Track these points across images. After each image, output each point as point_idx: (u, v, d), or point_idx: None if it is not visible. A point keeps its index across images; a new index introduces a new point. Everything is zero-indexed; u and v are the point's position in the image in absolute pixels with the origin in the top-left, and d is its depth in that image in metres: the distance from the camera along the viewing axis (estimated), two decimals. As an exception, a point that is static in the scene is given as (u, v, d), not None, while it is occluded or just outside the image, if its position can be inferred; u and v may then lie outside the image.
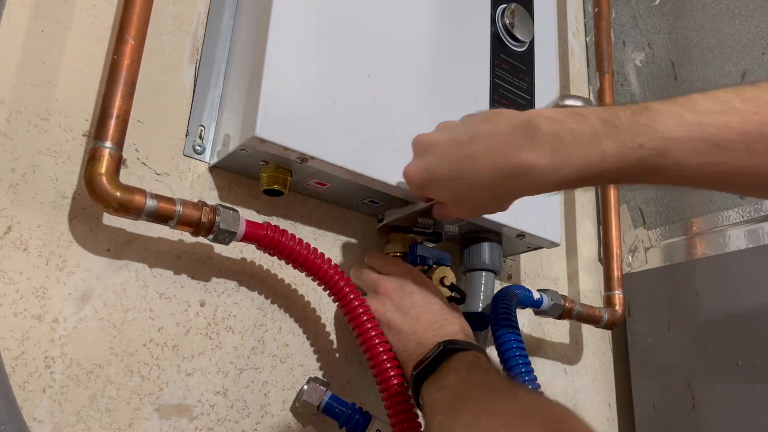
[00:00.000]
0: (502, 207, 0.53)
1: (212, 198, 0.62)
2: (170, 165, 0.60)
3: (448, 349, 0.53)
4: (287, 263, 0.59)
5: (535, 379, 0.67)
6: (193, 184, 0.61)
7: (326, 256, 0.60)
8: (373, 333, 0.59)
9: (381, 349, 0.58)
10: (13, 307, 0.50)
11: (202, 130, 0.62)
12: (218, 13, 0.66)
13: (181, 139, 0.61)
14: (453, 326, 0.58)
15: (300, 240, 0.58)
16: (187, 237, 0.59)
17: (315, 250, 0.59)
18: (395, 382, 0.57)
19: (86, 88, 0.57)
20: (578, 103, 0.59)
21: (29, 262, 0.52)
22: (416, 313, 0.59)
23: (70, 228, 0.54)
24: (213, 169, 0.63)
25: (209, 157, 0.62)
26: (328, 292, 0.60)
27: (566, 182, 0.45)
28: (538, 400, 0.43)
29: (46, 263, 0.52)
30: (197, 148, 0.62)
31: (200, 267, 0.60)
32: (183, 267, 0.59)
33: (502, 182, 0.47)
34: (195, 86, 0.63)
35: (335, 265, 0.60)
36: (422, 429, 0.56)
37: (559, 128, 0.44)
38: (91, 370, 0.53)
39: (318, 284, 0.60)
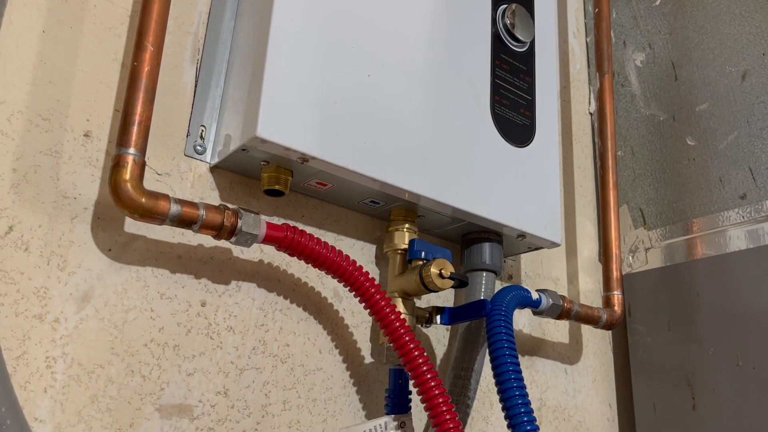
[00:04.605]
0: None
1: (213, 198, 0.62)
2: (171, 165, 0.60)
3: None
4: (307, 263, 0.59)
5: (522, 379, 0.66)
6: (194, 185, 0.61)
7: (346, 255, 0.59)
8: (406, 338, 0.58)
9: (417, 353, 0.57)
10: (15, 307, 0.50)
11: (203, 130, 0.62)
12: (219, 14, 0.66)
13: (182, 139, 0.61)
14: None
15: (319, 240, 0.58)
16: (188, 237, 0.59)
17: (333, 248, 0.59)
18: (433, 384, 0.56)
19: (87, 88, 0.57)
20: None
21: (30, 262, 0.52)
22: None
23: (71, 228, 0.54)
24: (214, 169, 0.63)
25: (210, 157, 0.63)
26: (353, 293, 0.60)
27: None
28: None
29: (47, 263, 0.52)
30: (198, 148, 0.62)
31: (201, 267, 0.60)
32: (184, 267, 0.59)
33: None
34: (196, 86, 0.63)
35: (360, 266, 0.60)
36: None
37: None
38: (92, 370, 0.53)
39: (344, 286, 0.60)
